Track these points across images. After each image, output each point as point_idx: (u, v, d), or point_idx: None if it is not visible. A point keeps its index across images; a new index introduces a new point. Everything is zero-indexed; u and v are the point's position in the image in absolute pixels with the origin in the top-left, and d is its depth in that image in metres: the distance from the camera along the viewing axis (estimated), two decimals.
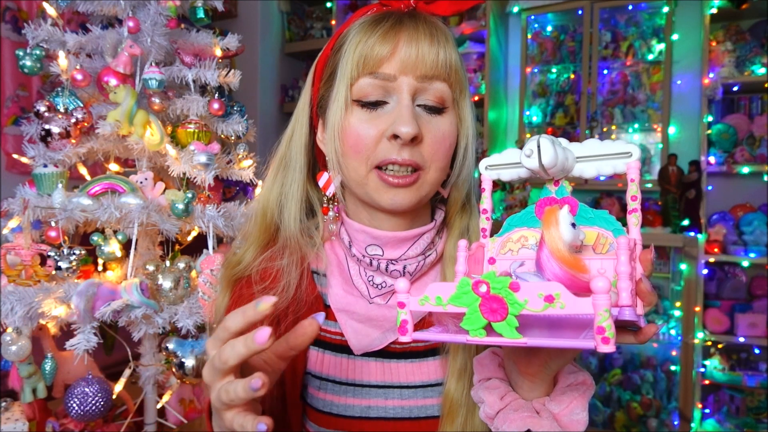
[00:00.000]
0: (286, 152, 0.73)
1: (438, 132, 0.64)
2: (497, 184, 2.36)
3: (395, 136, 0.62)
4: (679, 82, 2.67)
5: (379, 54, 0.62)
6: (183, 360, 1.33)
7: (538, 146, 0.47)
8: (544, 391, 0.55)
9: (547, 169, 0.48)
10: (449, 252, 0.71)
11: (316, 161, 0.75)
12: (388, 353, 0.69)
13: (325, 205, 0.71)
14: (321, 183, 0.70)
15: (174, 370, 1.34)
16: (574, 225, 0.44)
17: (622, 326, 0.49)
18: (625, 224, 0.50)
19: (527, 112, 2.92)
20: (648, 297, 0.47)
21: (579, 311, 0.36)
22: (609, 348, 0.36)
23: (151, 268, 1.32)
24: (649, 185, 2.60)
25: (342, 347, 0.70)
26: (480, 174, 0.57)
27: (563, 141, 0.52)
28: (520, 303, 0.38)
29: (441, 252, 0.71)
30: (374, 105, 0.64)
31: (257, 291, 0.69)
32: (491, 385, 0.57)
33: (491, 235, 0.56)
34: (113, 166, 1.43)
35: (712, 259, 2.43)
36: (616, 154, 0.50)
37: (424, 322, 0.68)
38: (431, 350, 0.70)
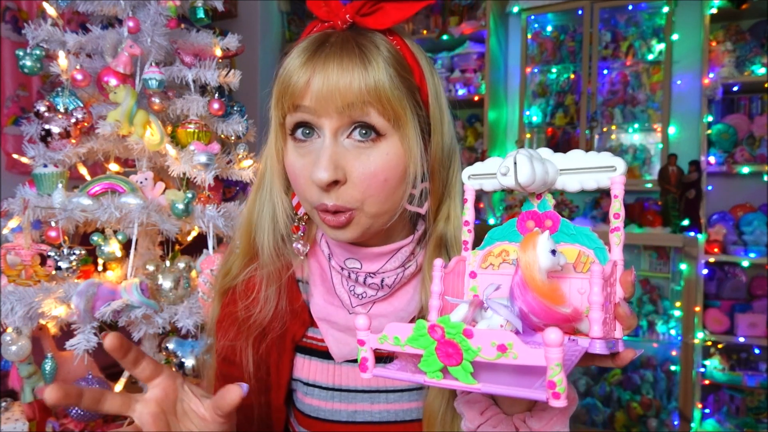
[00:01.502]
0: (263, 171, 0.71)
1: (367, 169, 0.58)
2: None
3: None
4: (679, 82, 2.67)
5: (296, 86, 0.58)
6: (183, 360, 1.33)
7: (515, 163, 0.45)
8: (525, 406, 0.54)
9: (524, 186, 0.46)
10: (428, 263, 0.69)
11: None
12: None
13: (295, 225, 0.70)
14: (294, 203, 0.70)
15: (174, 370, 1.35)
16: (554, 252, 0.42)
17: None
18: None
19: (527, 112, 2.92)
20: (627, 320, 0.46)
21: (531, 362, 0.35)
22: (560, 403, 0.35)
23: (151, 268, 1.32)
24: (649, 185, 2.60)
25: (328, 354, 0.71)
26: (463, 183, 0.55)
27: (546, 152, 0.50)
28: (474, 350, 0.37)
29: (421, 264, 0.70)
30: (308, 135, 0.60)
31: (240, 308, 0.70)
32: (472, 399, 0.57)
33: (473, 247, 0.55)
34: (113, 166, 1.43)
35: (712, 259, 2.43)
36: (601, 167, 0.47)
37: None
38: None
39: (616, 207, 0.46)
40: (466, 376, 0.38)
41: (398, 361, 0.47)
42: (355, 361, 0.69)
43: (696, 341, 2.34)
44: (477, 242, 0.56)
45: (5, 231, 1.34)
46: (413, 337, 0.40)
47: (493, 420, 0.54)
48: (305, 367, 0.72)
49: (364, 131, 0.58)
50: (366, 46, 0.58)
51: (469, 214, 0.54)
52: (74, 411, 1.28)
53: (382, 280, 0.67)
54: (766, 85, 2.45)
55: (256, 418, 0.73)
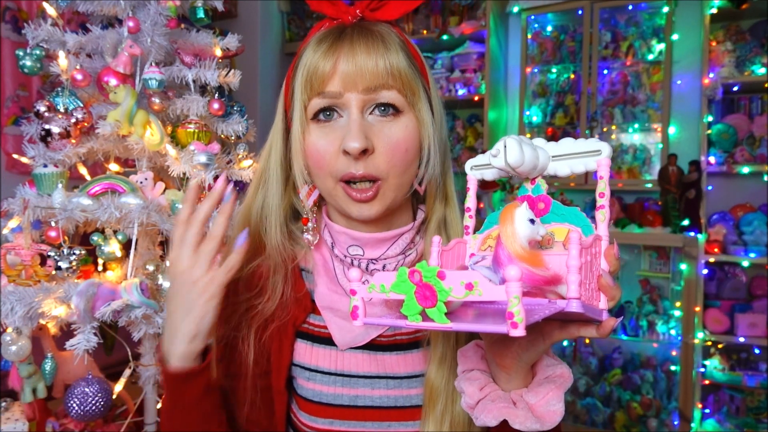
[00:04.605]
0: (265, 167, 0.75)
1: (391, 140, 0.65)
2: (497, 184, 2.36)
3: (347, 152, 0.63)
4: (679, 82, 2.67)
5: (321, 73, 0.64)
6: None
7: (505, 146, 0.49)
8: (521, 382, 0.57)
9: (514, 167, 0.50)
10: (428, 249, 0.71)
11: None
12: (375, 346, 0.72)
13: (305, 216, 0.74)
14: (301, 196, 0.73)
15: None
16: (533, 221, 0.45)
17: (586, 320, 0.51)
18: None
19: (527, 112, 2.92)
20: (610, 291, 0.49)
21: (494, 298, 0.39)
22: (518, 332, 0.38)
23: (151, 268, 1.32)
24: (649, 185, 2.60)
25: (330, 340, 0.73)
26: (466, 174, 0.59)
27: (540, 141, 0.53)
28: (446, 290, 0.41)
29: (421, 251, 0.73)
30: (328, 117, 0.66)
31: (242, 300, 0.73)
32: (472, 377, 0.60)
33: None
34: (113, 166, 1.43)
35: (712, 259, 2.43)
36: (588, 152, 0.51)
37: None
38: (415, 342, 0.73)
39: (602, 187, 0.50)
40: (441, 317, 0.42)
41: (388, 313, 0.53)
42: (360, 346, 0.72)
43: (696, 341, 2.34)
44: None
45: (5, 231, 1.34)
46: (396, 284, 0.44)
47: (492, 395, 0.57)
48: (308, 353, 0.73)
49: (383, 108, 0.65)
50: (382, 33, 0.65)
51: (470, 201, 0.59)
52: (74, 411, 1.28)
53: (384, 267, 0.70)
54: (766, 85, 2.45)
55: (258, 403, 0.74)
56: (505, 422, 0.54)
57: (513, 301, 0.38)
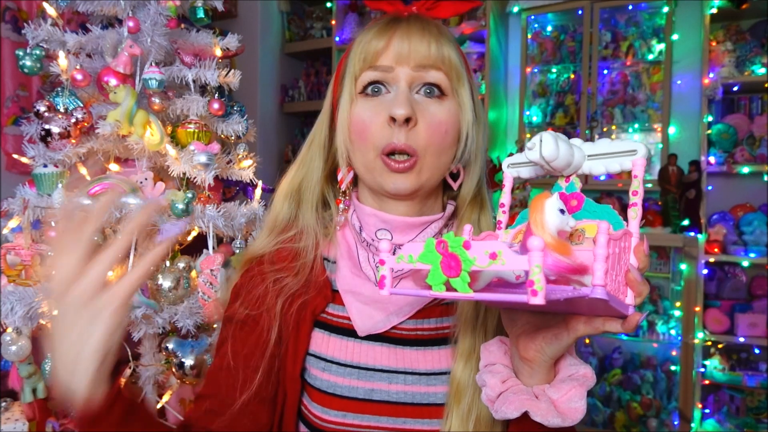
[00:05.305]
0: (308, 149, 0.78)
1: (434, 118, 0.68)
2: (496, 184, 2.36)
3: (393, 119, 0.66)
4: (679, 82, 2.67)
5: (375, 48, 0.68)
6: (183, 360, 1.33)
7: (541, 140, 0.50)
8: (543, 378, 0.57)
9: (548, 161, 0.51)
10: None
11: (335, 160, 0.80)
12: (394, 339, 0.72)
13: (338, 198, 0.77)
14: (339, 177, 0.75)
15: (174, 370, 1.34)
16: (563, 211, 0.46)
17: (612, 315, 0.51)
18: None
19: (527, 112, 2.92)
20: (637, 286, 0.49)
21: (517, 267, 0.40)
22: (538, 300, 0.38)
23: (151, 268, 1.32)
24: (649, 185, 2.60)
25: (348, 330, 0.72)
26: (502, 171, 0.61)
27: (577, 141, 0.55)
28: (470, 260, 0.42)
29: None
30: (376, 92, 0.69)
31: (268, 272, 0.74)
32: (495, 370, 0.59)
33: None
34: (113, 166, 1.43)
35: (712, 259, 2.43)
36: (624, 152, 0.52)
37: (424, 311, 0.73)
38: (438, 339, 0.72)
39: (635, 185, 0.51)
40: (464, 286, 0.43)
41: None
42: (377, 338, 0.72)
43: (696, 341, 2.34)
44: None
45: (5, 231, 1.34)
46: (424, 254, 0.45)
47: (514, 388, 0.57)
48: (324, 343, 0.72)
49: (428, 90, 0.69)
50: (434, 24, 0.71)
51: (505, 197, 0.60)
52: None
53: None
54: (766, 85, 2.45)
55: (269, 393, 0.72)
56: (523, 418, 0.54)
57: (534, 269, 0.39)
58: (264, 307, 0.72)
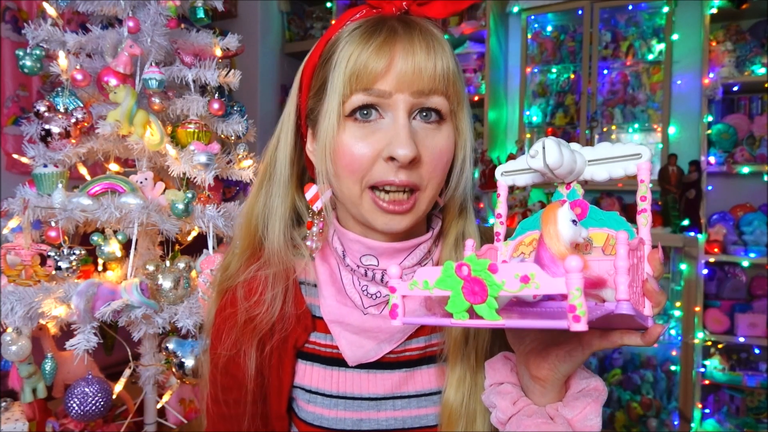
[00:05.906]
0: (270, 163, 0.70)
1: (436, 149, 0.60)
2: (496, 184, 2.36)
3: (392, 158, 0.58)
4: (679, 82, 2.67)
5: (374, 70, 0.58)
6: (183, 360, 1.33)
7: (543, 147, 0.47)
8: (555, 396, 0.54)
9: (552, 169, 0.48)
10: (445, 259, 0.68)
11: (305, 170, 0.73)
12: (383, 364, 0.67)
13: (309, 219, 0.69)
14: (308, 196, 0.68)
15: (174, 370, 1.34)
16: (575, 222, 0.43)
17: (629, 327, 0.49)
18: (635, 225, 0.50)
19: (527, 112, 2.92)
20: (655, 297, 0.46)
21: (553, 291, 0.36)
22: (581, 326, 0.35)
23: (151, 268, 1.32)
24: (650, 185, 2.60)
25: (332, 360, 0.68)
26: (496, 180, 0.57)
27: (576, 146, 0.52)
28: (498, 284, 0.38)
29: (437, 260, 0.69)
30: (366, 116, 0.60)
31: (242, 310, 0.67)
32: (503, 390, 0.56)
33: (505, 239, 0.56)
34: (113, 166, 1.43)
35: (712, 259, 2.43)
36: (627, 156, 0.50)
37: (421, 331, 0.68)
38: (425, 359, 0.68)
39: (643, 190, 0.48)
40: (491, 313, 0.39)
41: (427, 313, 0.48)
42: (366, 366, 0.67)
43: (696, 341, 2.34)
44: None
45: (5, 231, 1.34)
46: (441, 279, 0.41)
47: (526, 409, 0.54)
48: (307, 374, 0.69)
49: (425, 114, 0.60)
50: (434, 33, 0.60)
51: (501, 207, 0.56)
52: (74, 411, 1.28)
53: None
54: (766, 85, 2.44)
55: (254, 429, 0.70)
56: None
57: (575, 293, 0.35)
58: (242, 349, 0.68)
